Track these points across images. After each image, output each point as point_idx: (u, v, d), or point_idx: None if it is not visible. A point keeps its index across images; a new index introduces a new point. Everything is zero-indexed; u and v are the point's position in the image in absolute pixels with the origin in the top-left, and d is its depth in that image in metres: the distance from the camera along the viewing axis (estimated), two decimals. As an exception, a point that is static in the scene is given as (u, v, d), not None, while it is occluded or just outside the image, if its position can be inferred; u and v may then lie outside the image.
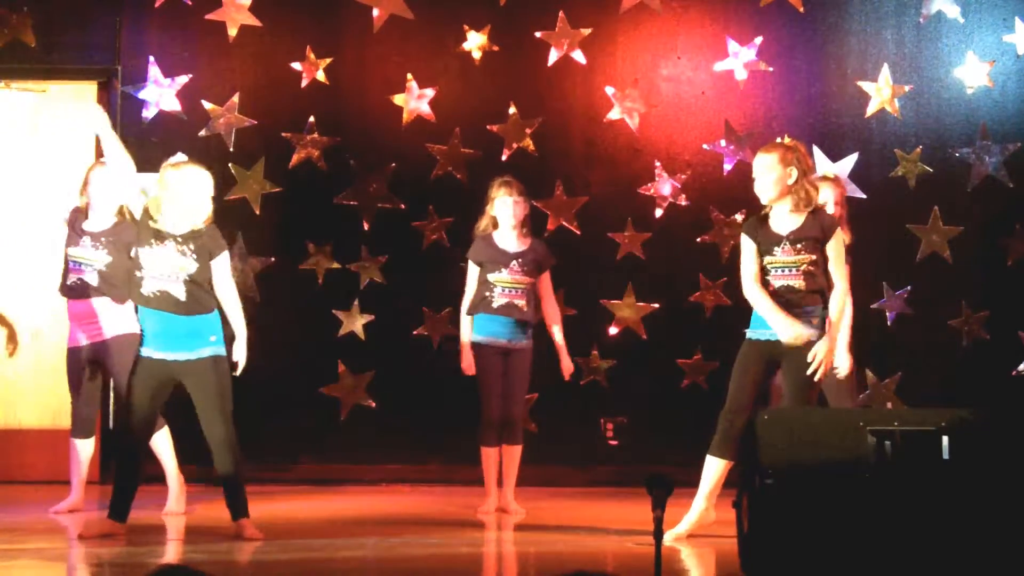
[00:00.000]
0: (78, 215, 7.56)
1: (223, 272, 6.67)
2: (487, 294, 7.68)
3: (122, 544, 6.45)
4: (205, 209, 6.62)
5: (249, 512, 6.65)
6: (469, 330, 7.75)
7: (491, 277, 7.67)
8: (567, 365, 7.89)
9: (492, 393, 7.67)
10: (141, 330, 6.61)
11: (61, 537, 6.79)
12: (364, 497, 8.46)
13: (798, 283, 6.42)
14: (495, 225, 7.77)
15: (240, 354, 6.71)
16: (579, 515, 7.65)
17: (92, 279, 7.42)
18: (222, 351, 6.59)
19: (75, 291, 7.48)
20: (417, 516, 7.64)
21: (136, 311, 6.87)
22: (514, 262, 7.68)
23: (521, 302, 7.67)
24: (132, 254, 6.73)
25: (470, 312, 7.75)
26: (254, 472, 8.86)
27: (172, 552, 6.26)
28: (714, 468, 6.53)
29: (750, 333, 6.56)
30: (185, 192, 6.56)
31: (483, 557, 6.55)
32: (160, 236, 6.53)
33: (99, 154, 9.03)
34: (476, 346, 7.71)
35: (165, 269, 6.51)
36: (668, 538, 6.43)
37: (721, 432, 6.52)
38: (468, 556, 6.44)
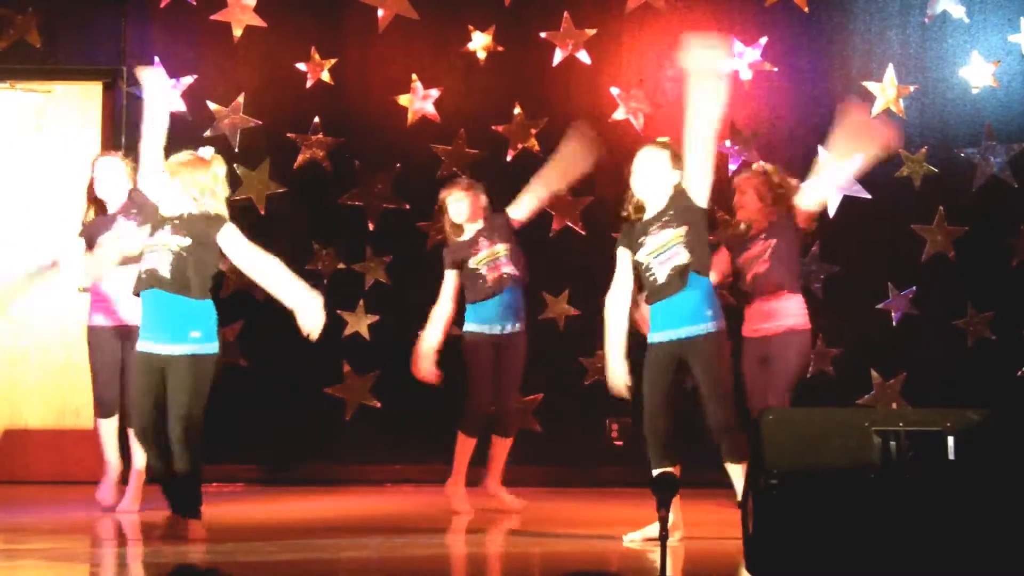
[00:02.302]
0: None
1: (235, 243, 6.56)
2: (479, 281, 7.67)
3: (127, 544, 6.45)
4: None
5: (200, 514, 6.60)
6: (435, 334, 7.73)
7: (472, 263, 7.68)
8: None
9: (482, 383, 7.67)
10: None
11: (65, 537, 6.80)
12: (369, 497, 8.47)
13: None
14: (457, 229, 7.79)
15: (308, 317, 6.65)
16: (584, 515, 7.65)
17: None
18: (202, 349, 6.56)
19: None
20: (422, 516, 7.64)
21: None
22: (481, 239, 7.70)
23: (509, 269, 7.68)
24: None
25: (468, 302, 7.75)
26: (259, 472, 8.92)
27: (175, 553, 6.26)
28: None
29: (651, 336, 6.47)
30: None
31: (487, 557, 6.55)
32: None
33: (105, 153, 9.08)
34: (468, 335, 7.72)
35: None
36: (628, 540, 6.46)
37: (649, 442, 6.48)
38: (472, 556, 6.45)
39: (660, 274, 6.30)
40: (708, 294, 6.35)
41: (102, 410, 7.63)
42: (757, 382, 7.49)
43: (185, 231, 6.47)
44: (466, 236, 7.76)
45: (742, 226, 7.65)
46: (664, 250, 6.30)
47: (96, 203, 7.67)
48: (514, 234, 7.77)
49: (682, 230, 6.26)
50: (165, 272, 6.43)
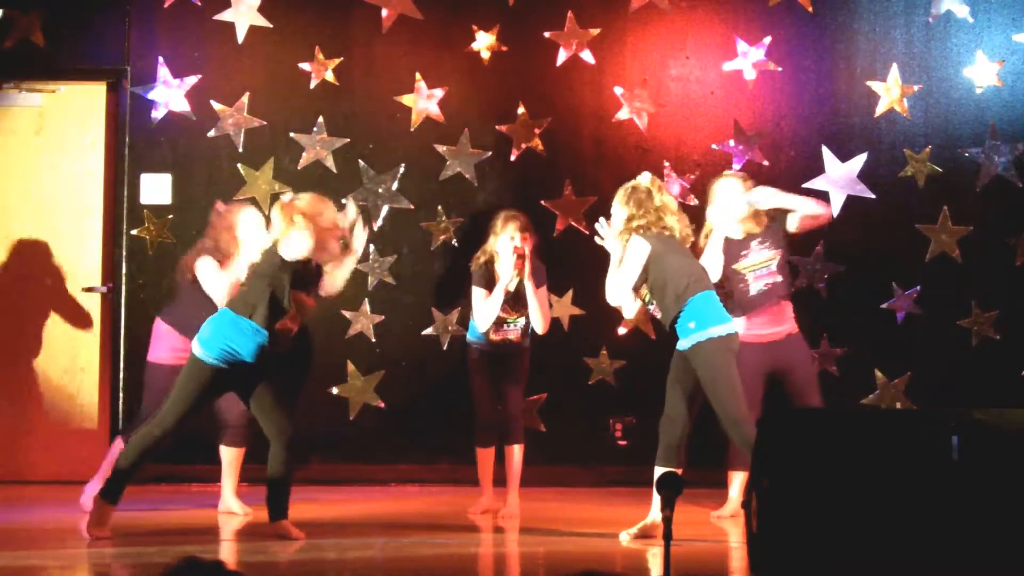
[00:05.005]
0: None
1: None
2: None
3: (132, 544, 6.46)
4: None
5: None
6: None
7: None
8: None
9: (482, 394, 7.71)
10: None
11: (70, 537, 6.80)
12: (373, 497, 8.47)
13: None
14: (498, 257, 7.77)
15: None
16: (588, 515, 7.66)
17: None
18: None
19: None
20: (426, 516, 7.65)
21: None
22: (505, 303, 7.71)
23: (515, 335, 7.73)
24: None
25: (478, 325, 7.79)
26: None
27: (179, 553, 6.26)
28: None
29: (678, 344, 6.84)
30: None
31: (492, 557, 6.55)
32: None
33: (109, 154, 9.08)
34: (467, 345, 7.79)
35: None
36: (623, 537, 6.54)
37: (662, 442, 6.79)
38: (477, 556, 6.45)
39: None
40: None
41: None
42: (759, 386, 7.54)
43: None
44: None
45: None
46: None
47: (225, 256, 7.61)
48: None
49: None
50: None
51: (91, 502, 7.46)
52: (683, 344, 6.77)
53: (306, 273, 6.77)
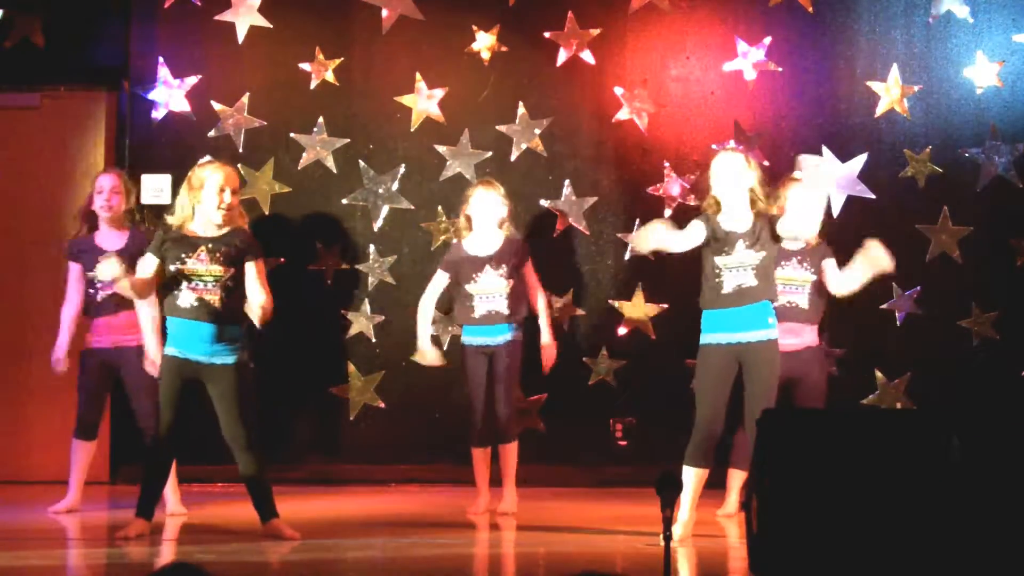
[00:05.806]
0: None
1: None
2: (468, 304, 7.70)
3: (131, 544, 6.46)
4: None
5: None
6: (424, 324, 7.82)
7: (468, 288, 7.68)
8: (547, 344, 7.84)
9: (477, 395, 7.71)
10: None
11: (65, 538, 6.80)
12: (373, 497, 8.47)
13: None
14: (470, 227, 7.76)
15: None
16: (588, 515, 7.65)
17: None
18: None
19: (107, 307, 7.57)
20: (426, 516, 7.65)
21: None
22: (487, 266, 7.69)
23: (503, 305, 7.68)
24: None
25: (456, 322, 7.86)
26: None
27: (179, 553, 6.26)
28: (693, 477, 6.57)
29: (706, 339, 6.73)
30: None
31: (492, 557, 6.55)
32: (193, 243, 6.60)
33: (109, 155, 9.08)
34: (462, 348, 7.78)
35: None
36: (677, 532, 6.55)
37: (696, 442, 6.62)
38: (477, 556, 6.45)
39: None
40: None
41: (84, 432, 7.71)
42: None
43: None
44: (474, 250, 7.72)
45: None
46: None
47: (87, 219, 7.70)
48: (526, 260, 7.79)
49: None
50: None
51: (63, 508, 7.51)
52: (756, 336, 6.67)
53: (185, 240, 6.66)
